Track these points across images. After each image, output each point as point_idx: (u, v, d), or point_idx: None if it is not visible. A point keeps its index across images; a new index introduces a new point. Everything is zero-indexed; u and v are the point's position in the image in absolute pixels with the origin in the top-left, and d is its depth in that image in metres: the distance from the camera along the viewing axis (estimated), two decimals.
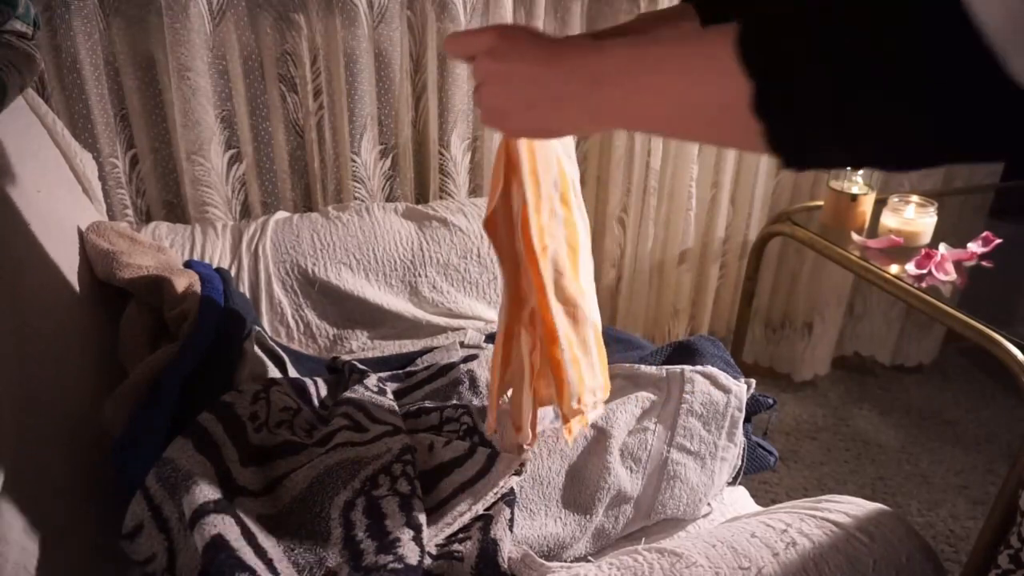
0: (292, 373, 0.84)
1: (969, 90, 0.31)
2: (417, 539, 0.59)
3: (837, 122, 0.35)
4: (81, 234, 0.88)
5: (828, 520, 0.62)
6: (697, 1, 0.69)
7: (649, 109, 0.44)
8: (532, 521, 0.70)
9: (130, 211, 1.27)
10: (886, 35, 0.32)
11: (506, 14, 1.32)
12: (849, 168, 0.34)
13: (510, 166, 0.65)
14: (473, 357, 0.90)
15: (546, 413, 0.78)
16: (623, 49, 0.45)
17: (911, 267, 1.20)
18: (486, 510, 0.66)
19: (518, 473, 0.69)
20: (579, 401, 0.71)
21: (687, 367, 0.86)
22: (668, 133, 0.47)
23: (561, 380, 0.69)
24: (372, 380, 0.83)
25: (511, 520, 0.64)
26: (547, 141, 0.68)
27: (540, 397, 0.75)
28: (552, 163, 0.71)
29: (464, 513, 0.65)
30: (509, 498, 0.66)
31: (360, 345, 1.10)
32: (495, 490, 0.66)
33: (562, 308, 0.70)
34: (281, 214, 1.18)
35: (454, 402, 0.81)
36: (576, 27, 1.41)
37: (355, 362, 0.89)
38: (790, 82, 0.36)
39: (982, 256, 1.25)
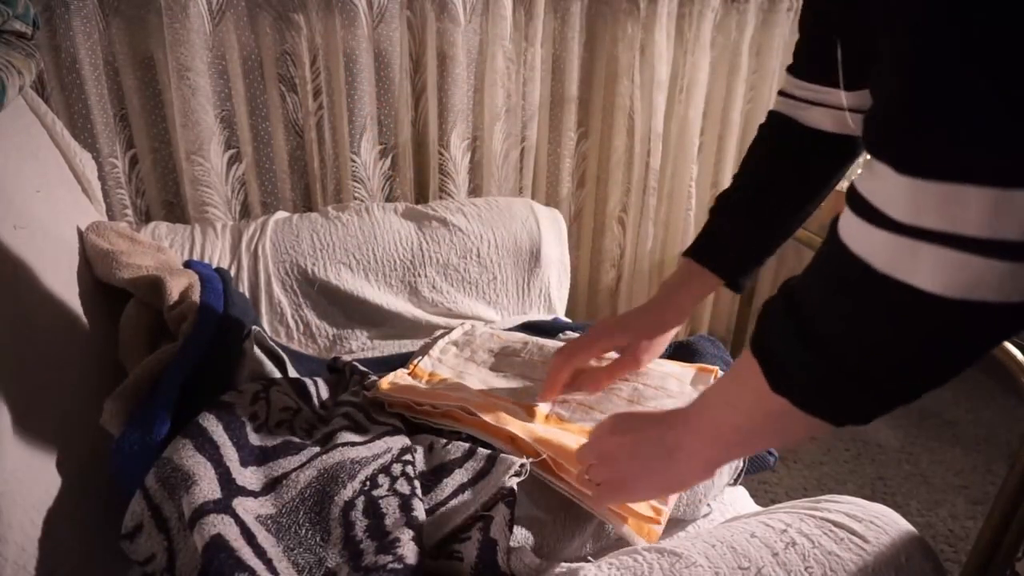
0: (292, 373, 0.84)
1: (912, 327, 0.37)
2: (417, 539, 0.59)
3: (858, 397, 0.42)
4: (81, 234, 0.88)
5: (828, 520, 0.62)
6: (693, 254, 0.78)
7: (727, 438, 0.51)
8: (532, 521, 0.70)
9: (130, 211, 1.27)
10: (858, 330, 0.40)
11: (506, 14, 1.32)
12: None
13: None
14: None
15: None
16: (691, 404, 0.55)
17: None
18: (486, 511, 0.66)
19: (518, 475, 0.68)
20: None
21: None
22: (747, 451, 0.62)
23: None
24: (373, 381, 0.83)
25: (511, 521, 0.64)
26: None
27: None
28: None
29: (464, 513, 0.65)
30: (509, 499, 0.66)
31: (360, 345, 1.10)
32: (495, 491, 0.66)
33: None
34: (281, 214, 1.18)
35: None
36: (576, 27, 1.41)
37: (355, 362, 0.89)
38: (815, 390, 0.43)
39: None
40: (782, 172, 0.77)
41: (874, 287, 0.36)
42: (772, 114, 0.78)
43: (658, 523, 0.66)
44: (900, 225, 0.35)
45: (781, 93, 0.76)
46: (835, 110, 0.71)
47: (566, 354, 0.79)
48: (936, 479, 1.59)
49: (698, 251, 0.79)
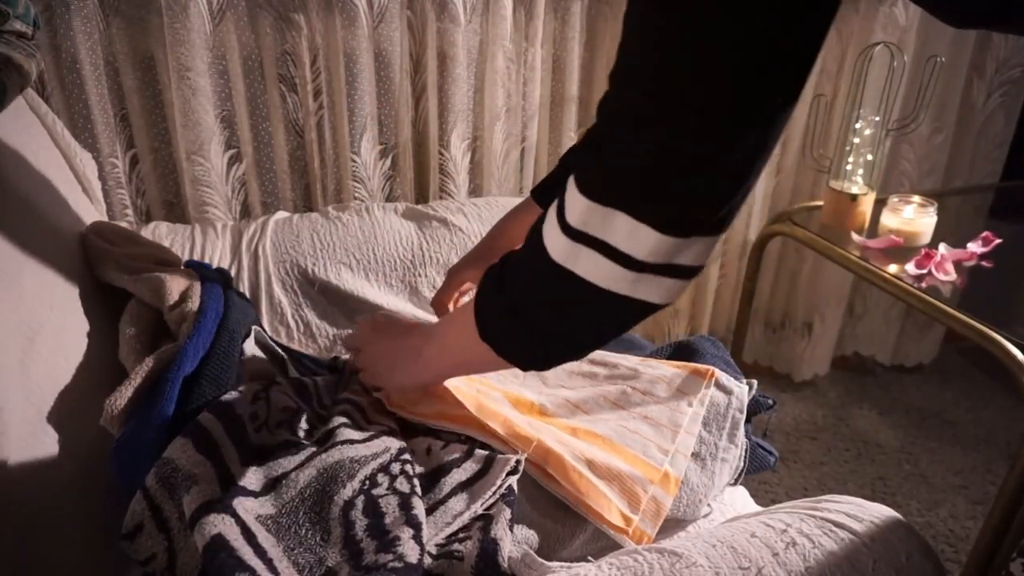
0: (292, 373, 0.84)
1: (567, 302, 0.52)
2: (417, 538, 0.59)
3: (540, 350, 0.58)
4: (81, 234, 0.88)
5: (828, 520, 0.62)
6: (537, 194, 0.86)
7: (452, 360, 0.69)
8: (532, 521, 0.70)
9: (130, 211, 1.27)
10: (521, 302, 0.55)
11: (506, 14, 1.32)
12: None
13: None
14: None
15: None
16: (437, 327, 0.74)
17: (911, 267, 1.20)
18: (486, 510, 0.66)
19: (515, 472, 0.69)
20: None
21: None
22: (470, 372, 0.76)
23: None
24: None
25: (512, 521, 0.64)
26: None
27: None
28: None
29: (463, 512, 0.65)
30: (509, 498, 0.66)
31: None
32: (493, 489, 0.66)
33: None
34: (281, 214, 1.18)
35: None
36: (576, 27, 1.41)
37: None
38: (509, 343, 0.58)
39: (982, 256, 1.25)
40: None
41: (552, 271, 0.49)
42: None
43: (626, 534, 0.68)
44: (572, 229, 0.47)
45: None
46: None
47: (435, 305, 0.90)
48: (936, 479, 1.59)
49: (537, 191, 0.86)
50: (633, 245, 0.45)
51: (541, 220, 0.52)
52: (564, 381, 0.88)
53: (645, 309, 0.50)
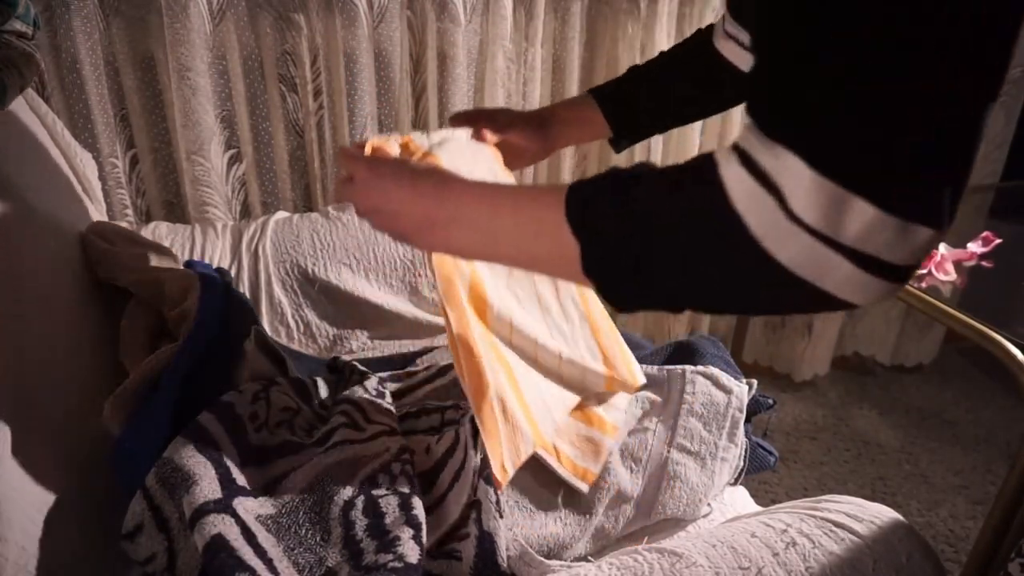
0: (292, 373, 0.84)
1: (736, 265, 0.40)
2: (417, 538, 0.59)
3: (646, 282, 0.44)
4: (81, 234, 0.88)
5: (828, 520, 0.62)
6: (596, 92, 0.81)
7: (495, 251, 0.52)
8: (532, 521, 0.70)
9: (130, 211, 1.27)
10: (678, 216, 0.42)
11: (506, 14, 1.32)
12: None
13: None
14: None
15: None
16: (471, 194, 0.53)
17: None
18: (474, 494, 0.66)
19: (477, 431, 0.69)
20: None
21: (688, 367, 0.86)
22: (512, 264, 0.56)
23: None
24: (372, 382, 0.83)
25: (498, 504, 0.65)
26: None
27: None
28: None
29: (459, 503, 0.66)
30: (487, 472, 0.66)
31: (360, 345, 1.10)
32: (473, 464, 0.68)
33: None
34: (281, 214, 1.18)
35: (454, 403, 0.81)
36: (576, 27, 1.41)
37: (355, 362, 0.89)
38: (607, 244, 0.44)
39: (982, 256, 1.25)
40: (692, 78, 0.83)
41: (740, 244, 0.39)
42: (703, 30, 0.82)
43: (499, 486, 0.67)
44: (791, 212, 0.37)
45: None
46: (747, 52, 0.74)
47: (455, 117, 0.81)
48: (936, 479, 1.59)
49: (601, 92, 0.82)
50: (842, 219, 0.36)
51: (706, 160, 0.41)
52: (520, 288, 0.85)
53: (821, 301, 0.39)
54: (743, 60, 0.76)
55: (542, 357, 0.78)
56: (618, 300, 0.46)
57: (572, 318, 0.84)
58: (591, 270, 0.45)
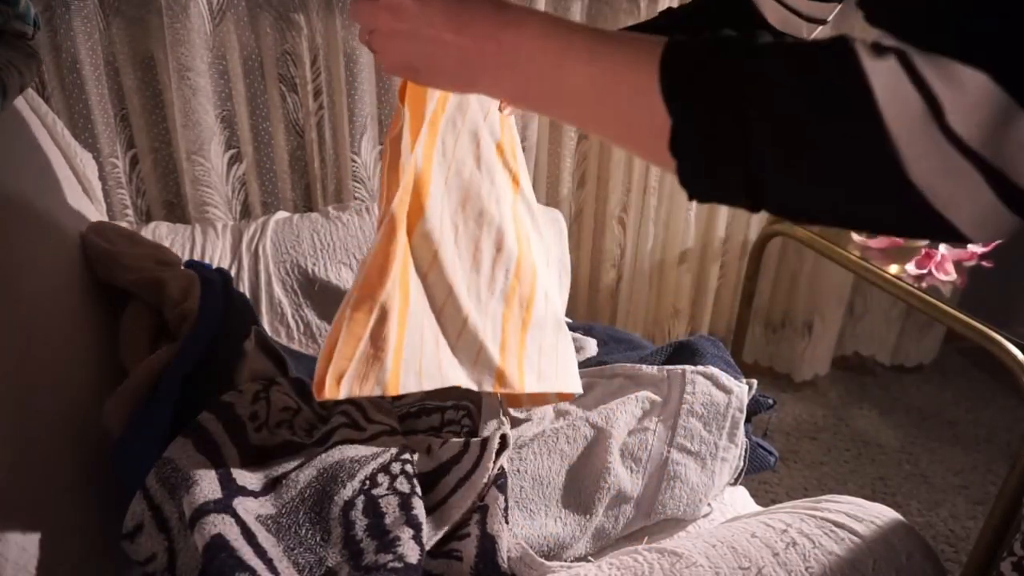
0: (292, 373, 0.84)
1: (868, 176, 0.34)
2: (417, 538, 0.59)
3: (745, 174, 0.37)
4: (81, 234, 0.88)
5: (828, 520, 0.62)
6: (630, 28, 0.75)
7: (556, 108, 0.44)
8: (532, 521, 0.70)
9: (130, 211, 1.27)
10: (820, 108, 0.34)
11: None
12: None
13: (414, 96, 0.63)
14: None
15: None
16: (538, 30, 0.42)
17: (911, 267, 1.20)
18: (481, 500, 0.66)
19: (504, 446, 0.68)
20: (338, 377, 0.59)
21: (688, 367, 0.86)
22: (578, 126, 0.47)
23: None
24: None
25: (506, 510, 0.65)
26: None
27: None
28: (475, 109, 0.69)
29: (463, 507, 0.65)
30: (501, 481, 0.66)
31: None
32: (488, 474, 0.67)
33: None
34: (281, 214, 1.18)
35: (454, 403, 0.81)
36: None
37: None
38: (708, 125, 0.36)
39: (982, 256, 1.25)
40: (724, 25, 0.80)
41: (872, 147, 0.33)
42: None
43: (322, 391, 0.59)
44: (946, 126, 0.32)
45: None
46: (784, 8, 0.71)
47: None
48: (936, 479, 1.59)
49: (633, 29, 0.78)
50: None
51: (843, 46, 0.35)
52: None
53: (938, 227, 0.34)
54: (779, 16, 0.73)
55: (447, 310, 0.70)
56: (700, 189, 0.39)
57: (495, 290, 0.77)
58: (681, 151, 0.38)
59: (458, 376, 0.72)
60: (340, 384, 0.59)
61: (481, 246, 0.76)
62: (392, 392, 0.64)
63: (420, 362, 0.67)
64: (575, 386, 0.81)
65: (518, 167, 0.83)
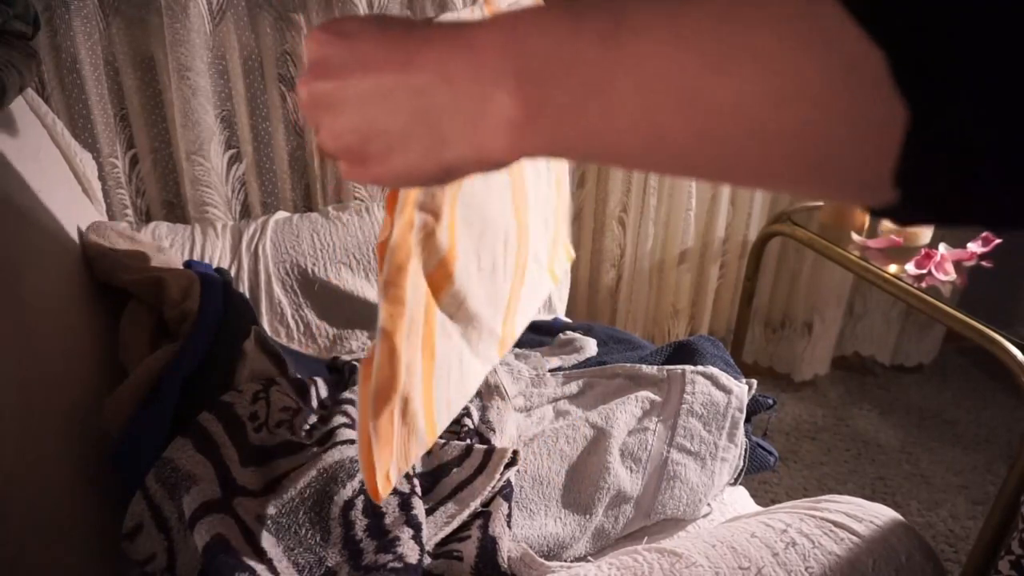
0: (292, 373, 0.84)
1: None
2: (416, 538, 0.59)
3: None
4: (81, 234, 0.88)
5: (828, 520, 0.62)
6: None
7: (646, 129, 0.25)
8: (532, 521, 0.70)
9: (130, 211, 1.27)
10: None
11: None
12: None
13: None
14: None
15: None
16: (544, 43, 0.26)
17: (911, 267, 1.20)
18: (484, 506, 0.66)
19: (513, 463, 0.68)
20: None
21: (688, 367, 0.86)
22: (689, 167, 0.27)
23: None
24: None
25: (509, 516, 0.65)
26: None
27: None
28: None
29: (463, 511, 0.65)
30: (507, 491, 0.66)
31: (360, 345, 1.10)
32: (492, 484, 0.66)
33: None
34: (281, 214, 1.18)
35: None
36: None
37: (355, 362, 0.89)
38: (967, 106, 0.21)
39: (982, 256, 1.25)
40: None
41: None
42: None
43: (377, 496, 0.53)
44: None
45: None
46: None
47: None
48: (936, 479, 1.59)
49: None
50: None
51: None
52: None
53: None
54: None
55: (471, 331, 0.68)
56: (932, 217, 0.25)
57: (507, 274, 0.73)
58: (915, 163, 0.22)
59: (477, 376, 0.69)
60: (390, 478, 0.55)
61: (496, 250, 0.72)
62: (432, 440, 0.61)
63: (448, 394, 0.64)
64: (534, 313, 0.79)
65: None
